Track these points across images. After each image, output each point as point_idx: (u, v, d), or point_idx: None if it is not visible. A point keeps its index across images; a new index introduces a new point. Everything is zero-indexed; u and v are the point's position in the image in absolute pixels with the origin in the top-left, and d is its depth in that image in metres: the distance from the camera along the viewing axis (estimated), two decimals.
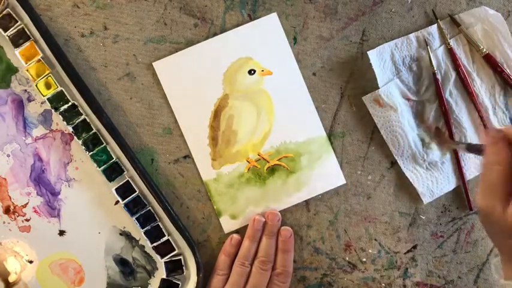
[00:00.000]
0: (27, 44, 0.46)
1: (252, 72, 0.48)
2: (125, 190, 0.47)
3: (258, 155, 0.49)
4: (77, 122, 0.47)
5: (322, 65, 0.49)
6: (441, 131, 0.47)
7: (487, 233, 0.38)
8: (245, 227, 0.48)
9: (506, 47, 0.48)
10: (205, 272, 0.47)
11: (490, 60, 0.48)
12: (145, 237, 0.47)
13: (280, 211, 0.49)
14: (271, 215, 0.48)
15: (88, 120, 0.47)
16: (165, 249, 0.47)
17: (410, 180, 0.48)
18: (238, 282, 0.46)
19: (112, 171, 0.47)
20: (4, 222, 0.48)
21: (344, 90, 0.49)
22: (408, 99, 0.49)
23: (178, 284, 0.47)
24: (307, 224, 0.49)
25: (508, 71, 0.48)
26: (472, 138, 0.48)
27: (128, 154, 0.46)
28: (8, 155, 0.48)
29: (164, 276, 0.47)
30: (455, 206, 0.49)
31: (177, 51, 0.48)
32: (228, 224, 0.49)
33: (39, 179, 0.48)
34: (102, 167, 0.47)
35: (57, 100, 0.46)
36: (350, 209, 0.49)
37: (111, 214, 0.48)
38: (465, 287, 0.49)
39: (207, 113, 0.48)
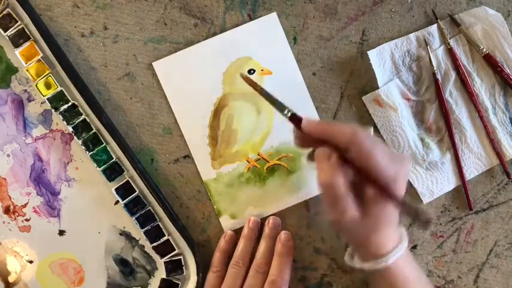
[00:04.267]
0: (27, 44, 0.46)
1: (252, 72, 0.48)
2: (124, 190, 0.47)
3: (258, 154, 0.49)
4: (77, 122, 0.47)
5: (322, 65, 0.49)
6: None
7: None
8: None
9: (506, 46, 0.48)
10: (205, 272, 0.47)
11: (490, 60, 0.48)
12: (145, 237, 0.47)
13: (280, 211, 0.49)
14: (273, 220, 0.48)
15: (88, 120, 0.47)
16: (165, 249, 0.47)
17: (410, 180, 0.48)
18: (233, 284, 0.45)
19: (112, 171, 0.47)
20: (4, 222, 0.48)
21: (344, 90, 0.49)
22: (408, 99, 0.49)
23: (178, 284, 0.47)
24: (307, 224, 0.49)
25: (508, 70, 0.48)
26: (472, 138, 0.49)
27: (128, 154, 0.46)
28: (8, 155, 0.48)
29: (164, 276, 0.47)
30: (455, 206, 0.49)
31: (177, 51, 0.48)
32: (228, 224, 0.49)
33: (39, 179, 0.48)
34: (102, 167, 0.47)
35: (57, 100, 0.46)
36: None
37: (111, 214, 0.48)
38: (465, 287, 0.49)
39: (207, 112, 0.48)
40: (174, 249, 0.47)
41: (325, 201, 0.38)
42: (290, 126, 0.48)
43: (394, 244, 0.40)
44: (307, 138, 0.40)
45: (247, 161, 0.49)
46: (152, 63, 0.48)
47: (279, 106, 0.41)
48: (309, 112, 0.48)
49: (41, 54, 0.46)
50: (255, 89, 0.43)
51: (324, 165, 0.37)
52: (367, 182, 0.37)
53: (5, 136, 0.48)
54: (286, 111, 0.40)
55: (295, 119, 0.40)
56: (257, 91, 0.42)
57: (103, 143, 0.47)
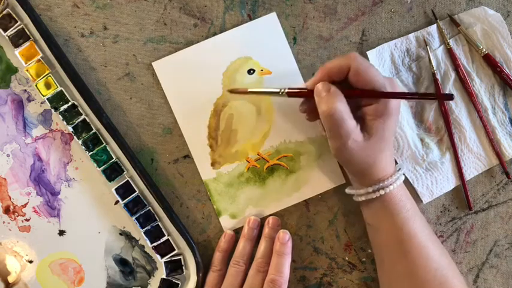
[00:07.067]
0: (27, 44, 0.46)
1: (252, 71, 0.48)
2: (124, 190, 0.47)
3: (258, 154, 0.49)
4: (76, 122, 0.47)
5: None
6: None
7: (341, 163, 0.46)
8: None
9: (506, 47, 0.48)
10: (205, 271, 0.47)
11: (489, 60, 0.48)
12: (145, 237, 0.47)
13: (279, 211, 0.49)
14: (273, 219, 0.48)
15: (88, 120, 0.47)
16: (165, 249, 0.47)
17: (410, 180, 0.48)
18: (233, 283, 0.46)
19: (112, 171, 0.47)
20: (4, 222, 0.48)
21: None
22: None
23: (178, 284, 0.47)
24: (307, 224, 0.49)
25: (508, 71, 0.48)
26: (472, 138, 0.49)
27: (128, 154, 0.46)
28: (8, 155, 0.48)
29: (164, 276, 0.47)
30: (454, 206, 0.49)
31: (176, 51, 0.48)
32: (227, 224, 0.49)
33: (39, 179, 0.48)
34: (102, 167, 0.47)
35: (57, 100, 0.46)
36: (350, 209, 0.49)
37: (111, 214, 0.48)
38: None
39: (207, 112, 0.48)
40: (174, 249, 0.47)
41: (328, 131, 0.41)
42: (290, 125, 0.48)
43: (393, 169, 0.43)
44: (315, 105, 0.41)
45: (247, 161, 0.49)
46: (152, 63, 0.48)
47: (273, 93, 0.44)
48: None
49: (41, 54, 0.46)
50: (245, 93, 0.45)
51: (324, 96, 0.40)
52: (367, 97, 0.40)
53: (5, 136, 0.48)
54: (280, 92, 0.43)
55: (293, 92, 0.43)
56: (249, 93, 0.45)
57: (103, 143, 0.47)
